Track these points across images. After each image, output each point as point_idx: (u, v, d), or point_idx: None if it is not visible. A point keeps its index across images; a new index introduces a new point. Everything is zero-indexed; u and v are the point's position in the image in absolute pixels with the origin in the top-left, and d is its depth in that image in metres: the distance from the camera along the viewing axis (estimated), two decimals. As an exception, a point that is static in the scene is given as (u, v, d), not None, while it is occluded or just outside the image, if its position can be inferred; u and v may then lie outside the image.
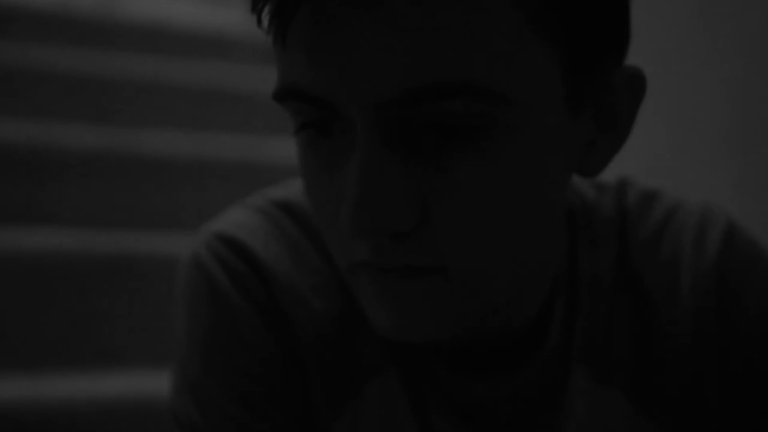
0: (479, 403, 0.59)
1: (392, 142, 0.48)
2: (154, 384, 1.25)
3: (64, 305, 1.40)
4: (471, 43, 0.46)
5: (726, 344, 0.59)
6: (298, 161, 0.53)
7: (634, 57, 0.57)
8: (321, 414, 0.59)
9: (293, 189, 0.64)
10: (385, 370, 0.59)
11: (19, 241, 1.41)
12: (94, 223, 1.63)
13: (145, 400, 1.25)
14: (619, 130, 0.54)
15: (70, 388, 1.27)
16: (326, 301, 0.60)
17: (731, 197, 1.58)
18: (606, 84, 0.52)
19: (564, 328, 0.59)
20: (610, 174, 0.62)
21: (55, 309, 1.39)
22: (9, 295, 1.37)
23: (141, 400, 1.26)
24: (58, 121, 1.83)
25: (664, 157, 1.71)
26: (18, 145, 1.61)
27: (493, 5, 0.46)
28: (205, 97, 2.00)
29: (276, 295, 0.60)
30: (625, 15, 0.52)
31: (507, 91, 0.47)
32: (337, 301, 0.60)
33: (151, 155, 1.70)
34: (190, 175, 1.73)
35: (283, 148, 1.80)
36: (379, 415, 0.59)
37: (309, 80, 0.48)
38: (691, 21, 1.68)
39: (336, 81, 0.47)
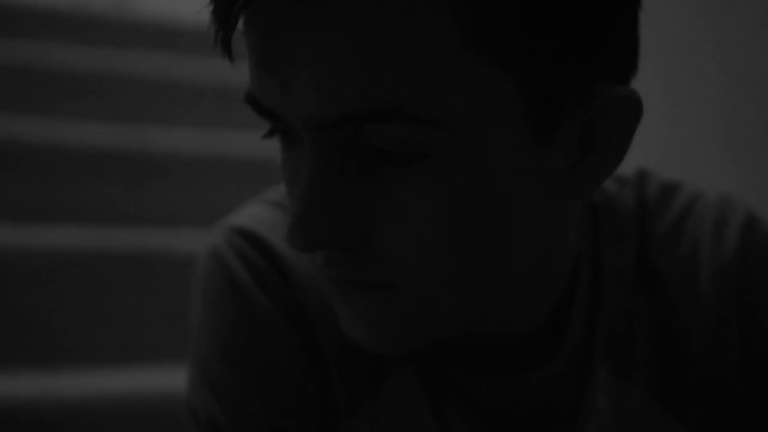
0: (499, 402, 0.58)
1: (337, 160, 0.48)
2: (171, 381, 1.25)
3: (79, 302, 1.40)
4: (404, 68, 0.45)
5: (748, 338, 0.59)
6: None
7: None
8: (339, 411, 0.59)
9: None
10: (404, 369, 0.59)
11: (35, 238, 1.42)
12: (108, 220, 1.63)
13: (161, 397, 1.25)
14: (609, 154, 0.51)
15: (86, 385, 1.27)
16: None
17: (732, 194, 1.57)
18: (591, 105, 0.49)
19: (586, 324, 0.59)
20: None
21: (70, 306, 1.39)
22: (25, 293, 1.38)
23: (158, 397, 1.26)
24: (72, 119, 1.83)
25: (663, 155, 1.70)
26: (32, 143, 1.62)
27: (431, 30, 0.44)
28: (219, 95, 2.00)
29: (295, 290, 0.59)
30: (619, 32, 0.50)
31: (444, 117, 0.45)
32: None
33: (164, 153, 1.70)
34: (205, 172, 1.73)
35: (297, 144, 1.79)
36: (398, 414, 0.59)
37: (260, 92, 0.48)
38: (693, 16, 1.68)
39: (277, 97, 0.47)
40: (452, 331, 0.54)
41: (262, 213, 0.62)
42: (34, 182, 1.61)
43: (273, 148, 1.79)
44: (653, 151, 1.65)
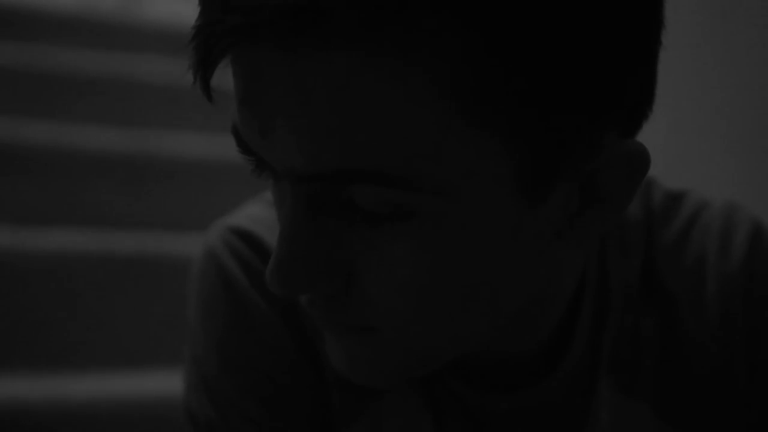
0: (500, 416, 0.58)
1: (317, 208, 0.46)
2: (173, 384, 1.25)
3: (83, 306, 1.40)
4: (388, 132, 0.42)
5: (754, 351, 0.58)
6: None
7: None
8: (337, 415, 0.59)
9: None
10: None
11: (39, 241, 1.42)
12: (112, 223, 1.63)
13: (164, 400, 1.25)
14: (611, 205, 0.48)
15: (89, 388, 1.27)
16: None
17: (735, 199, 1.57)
18: (593, 159, 0.46)
19: (591, 338, 0.58)
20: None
21: (74, 310, 1.39)
22: (29, 296, 1.38)
23: (160, 400, 1.26)
24: (77, 123, 1.83)
25: (667, 158, 1.69)
26: (37, 146, 1.62)
27: (417, 95, 0.42)
28: (225, 99, 2.00)
29: None
30: (622, 85, 0.45)
31: (427, 181, 0.43)
32: None
33: (169, 157, 1.70)
34: (211, 177, 1.73)
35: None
36: (399, 423, 0.58)
37: (242, 131, 0.47)
38: (698, 20, 1.67)
39: (258, 141, 0.46)
40: (437, 365, 0.53)
41: (260, 213, 0.61)
42: (39, 185, 1.61)
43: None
44: (653, 150, 1.65)
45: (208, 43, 0.44)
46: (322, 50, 0.42)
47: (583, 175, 0.47)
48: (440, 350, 0.51)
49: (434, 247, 0.45)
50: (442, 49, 0.41)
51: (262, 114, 0.45)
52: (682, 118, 1.71)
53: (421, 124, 0.43)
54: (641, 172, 0.48)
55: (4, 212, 1.57)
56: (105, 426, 1.22)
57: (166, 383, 1.28)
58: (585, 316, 0.57)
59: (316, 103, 0.42)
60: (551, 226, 0.48)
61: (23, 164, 1.60)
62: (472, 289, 0.47)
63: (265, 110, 0.44)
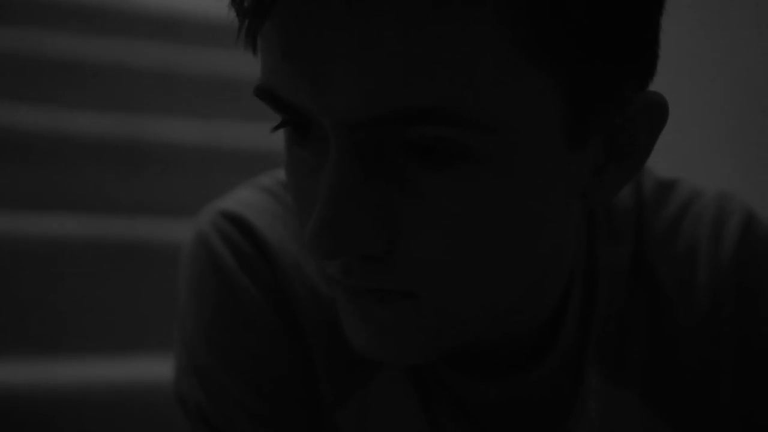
0: (489, 403, 0.58)
1: (366, 162, 0.45)
2: (166, 370, 1.25)
3: (76, 291, 1.40)
4: (447, 68, 0.43)
5: (744, 341, 0.58)
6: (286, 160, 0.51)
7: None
8: (326, 399, 0.59)
9: None
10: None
11: (32, 226, 1.42)
12: (106, 209, 1.63)
13: (157, 385, 1.25)
14: (633, 159, 0.50)
15: (82, 372, 1.27)
16: None
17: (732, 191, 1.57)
18: (621, 111, 0.48)
19: (579, 327, 0.58)
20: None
21: (67, 295, 1.39)
22: (22, 280, 1.38)
23: (153, 385, 1.26)
24: (72, 109, 1.83)
25: (665, 153, 1.70)
26: (31, 131, 1.61)
27: (477, 31, 0.43)
28: (218, 86, 2.00)
29: (281, 277, 0.59)
30: (647, 37, 0.48)
31: (486, 119, 0.44)
32: None
33: (163, 143, 1.70)
34: (203, 163, 1.72)
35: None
36: (387, 408, 0.58)
37: (282, 86, 0.45)
38: (695, 17, 1.67)
39: (307, 93, 0.44)
40: (465, 340, 0.53)
41: (252, 198, 0.61)
42: (32, 170, 1.60)
43: (271, 139, 1.78)
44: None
45: None
46: None
47: (611, 126, 0.48)
48: (475, 318, 0.50)
49: (487, 191, 0.45)
50: None
51: (316, 59, 0.43)
52: (678, 112, 1.71)
53: (485, 62, 0.43)
54: (661, 122, 0.49)
55: (-3, 197, 1.57)
56: (96, 411, 1.23)
57: (157, 369, 1.29)
58: (574, 304, 0.57)
59: (383, 41, 0.42)
60: (581, 182, 0.49)
61: (15, 149, 1.59)
62: (513, 241, 0.47)
63: (319, 56, 0.43)
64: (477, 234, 0.46)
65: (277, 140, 1.79)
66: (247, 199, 0.61)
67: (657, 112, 0.49)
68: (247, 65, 2.05)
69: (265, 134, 1.81)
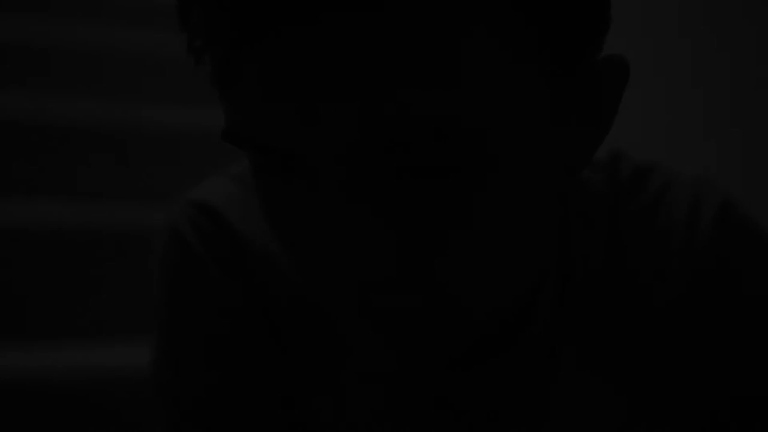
0: (463, 389, 0.57)
1: (362, 191, 0.44)
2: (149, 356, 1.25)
3: (62, 276, 1.40)
4: (445, 79, 0.42)
5: (719, 329, 0.57)
6: (259, 198, 0.49)
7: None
8: (302, 385, 0.59)
9: None
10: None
11: (17, 212, 1.42)
12: (92, 195, 1.63)
13: (140, 372, 1.25)
14: (601, 121, 0.50)
15: (68, 357, 1.28)
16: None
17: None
18: (588, 77, 0.48)
19: (553, 313, 0.57)
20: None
21: (53, 280, 1.39)
22: (15, 267, 1.38)
23: (139, 370, 1.26)
24: (60, 95, 1.82)
25: (640, 140, 1.70)
26: (19, 119, 1.61)
27: (474, 36, 0.42)
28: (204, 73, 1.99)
29: (252, 265, 0.59)
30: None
31: (486, 123, 0.43)
32: None
33: (152, 129, 1.70)
34: (192, 149, 1.72)
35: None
36: (362, 394, 0.58)
37: (263, 130, 0.43)
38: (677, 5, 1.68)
39: (292, 130, 0.43)
40: (475, 338, 0.52)
41: (222, 187, 0.61)
42: (18, 156, 1.60)
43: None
44: (630, 130, 1.66)
45: (244, 17, 0.41)
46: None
47: (580, 96, 0.49)
48: (493, 319, 0.51)
49: (493, 196, 0.45)
50: None
51: (302, 92, 0.42)
52: (659, 97, 1.71)
53: (484, 67, 0.43)
54: (623, 80, 0.50)
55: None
56: (78, 397, 1.23)
57: (141, 355, 1.29)
58: (547, 289, 0.57)
59: (373, 66, 0.41)
60: (564, 155, 0.49)
61: (10, 136, 1.60)
62: (526, 239, 0.48)
63: (307, 86, 0.41)
64: (492, 238, 0.46)
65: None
66: (217, 188, 0.61)
67: (621, 73, 0.50)
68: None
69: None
